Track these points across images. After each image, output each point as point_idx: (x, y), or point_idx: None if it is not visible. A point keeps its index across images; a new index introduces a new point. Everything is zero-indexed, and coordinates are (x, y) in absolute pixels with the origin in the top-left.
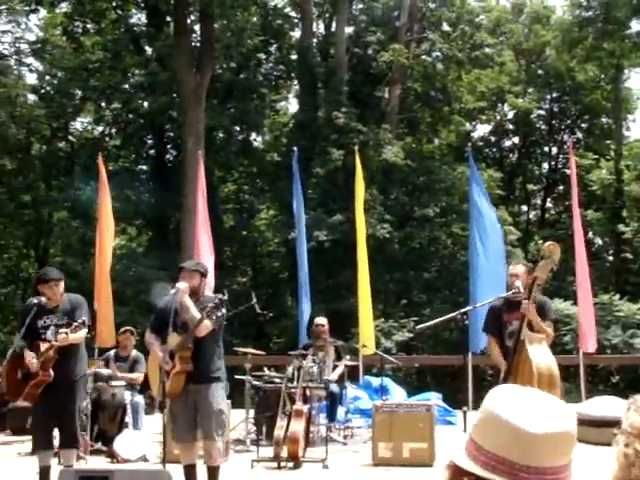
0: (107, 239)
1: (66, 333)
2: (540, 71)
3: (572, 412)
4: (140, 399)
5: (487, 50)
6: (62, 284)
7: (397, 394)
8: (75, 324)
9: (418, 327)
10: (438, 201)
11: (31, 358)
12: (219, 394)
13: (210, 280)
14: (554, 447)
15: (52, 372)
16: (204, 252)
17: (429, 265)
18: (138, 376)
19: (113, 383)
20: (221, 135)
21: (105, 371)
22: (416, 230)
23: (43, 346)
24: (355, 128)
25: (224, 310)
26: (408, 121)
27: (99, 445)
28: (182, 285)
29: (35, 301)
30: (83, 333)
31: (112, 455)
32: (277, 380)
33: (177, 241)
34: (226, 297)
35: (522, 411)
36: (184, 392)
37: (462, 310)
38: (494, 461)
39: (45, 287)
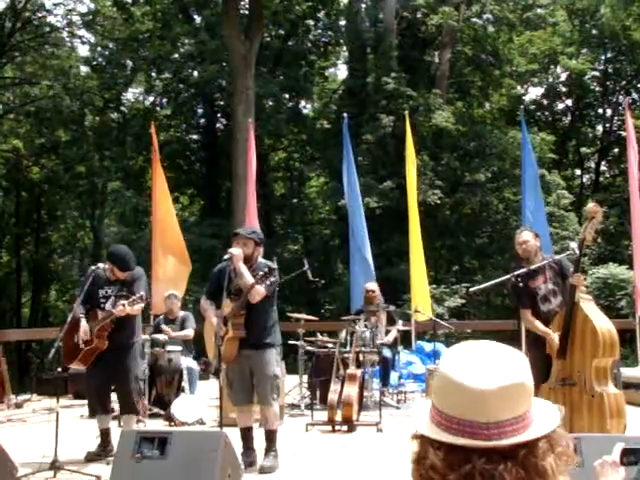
0: (163, 208)
1: (124, 305)
2: (594, 31)
3: (523, 362)
4: (195, 365)
5: (539, 11)
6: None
7: None
8: (134, 297)
9: (471, 289)
10: (489, 166)
11: (84, 333)
12: (273, 359)
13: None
14: (508, 400)
15: (107, 341)
16: (255, 220)
17: (480, 231)
18: (188, 332)
19: (169, 348)
20: (270, 103)
21: (161, 337)
22: (467, 196)
23: (100, 315)
24: (405, 93)
25: (275, 277)
26: (458, 85)
27: (157, 409)
28: (236, 251)
29: (93, 268)
30: (141, 306)
31: (170, 418)
32: (330, 345)
33: (228, 209)
34: (276, 265)
35: (471, 369)
36: (239, 357)
37: (516, 272)
38: (455, 424)
39: (115, 269)
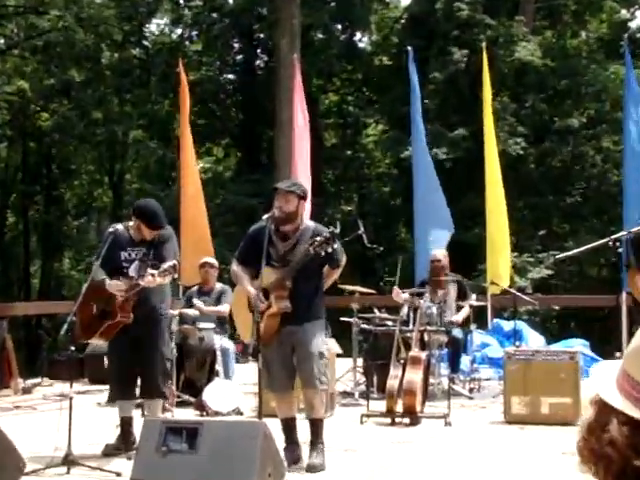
0: (191, 161)
1: (152, 275)
2: None
3: None
4: (230, 344)
5: None
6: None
7: (533, 341)
8: (165, 267)
9: (558, 256)
10: (584, 109)
11: (117, 288)
12: (319, 335)
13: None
14: None
15: (132, 314)
16: (302, 175)
17: (572, 188)
18: (224, 308)
19: (201, 325)
20: (320, 35)
21: (191, 312)
22: (557, 145)
23: (125, 283)
24: (482, 22)
25: (335, 245)
26: (548, 10)
27: (186, 396)
28: (277, 210)
29: (113, 229)
30: (171, 277)
31: (201, 407)
32: (389, 323)
33: (270, 162)
34: (338, 230)
35: None
36: (278, 335)
37: (614, 236)
38: None
39: (143, 226)
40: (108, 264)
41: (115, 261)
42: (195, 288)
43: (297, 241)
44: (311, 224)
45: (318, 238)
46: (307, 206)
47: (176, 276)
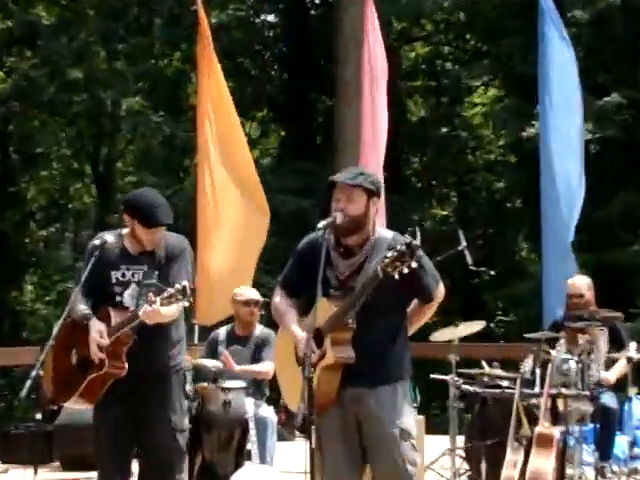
0: (223, 133)
1: (152, 303)
2: None
3: None
4: (269, 412)
5: None
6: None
7: None
8: (171, 290)
9: None
10: None
11: (98, 334)
12: (402, 403)
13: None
14: None
15: (125, 362)
16: (374, 163)
17: None
18: (267, 367)
19: (226, 384)
20: None
21: (211, 363)
22: None
23: (115, 316)
24: None
25: (414, 264)
26: None
27: None
28: (339, 215)
29: (100, 241)
30: (182, 305)
31: None
32: (505, 383)
33: (328, 145)
34: (418, 240)
35: None
36: (340, 401)
37: None
38: None
39: (139, 227)
40: (94, 291)
41: (104, 286)
42: (224, 330)
43: (365, 259)
44: (388, 234)
45: (389, 253)
46: (381, 208)
47: (187, 303)
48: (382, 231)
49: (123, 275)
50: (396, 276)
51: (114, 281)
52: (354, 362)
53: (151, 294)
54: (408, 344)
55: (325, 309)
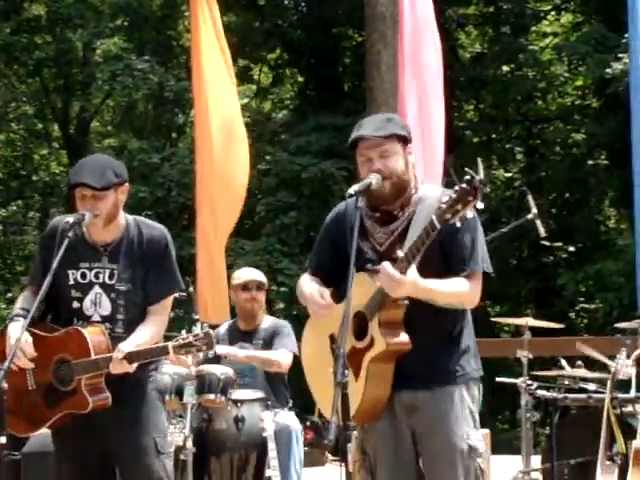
0: (217, 94)
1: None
2: None
3: None
4: (292, 419)
5: None
6: (117, 196)
7: None
8: (189, 338)
9: None
10: None
11: (25, 351)
12: (465, 410)
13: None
14: None
15: (108, 393)
16: (415, 112)
17: None
18: (283, 356)
19: (238, 395)
20: None
21: (219, 369)
22: None
23: (94, 343)
24: None
25: (480, 204)
26: None
27: None
28: (375, 177)
29: (64, 223)
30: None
31: None
32: (591, 387)
33: (358, 92)
34: (481, 174)
35: None
36: (390, 408)
37: None
38: None
39: (78, 198)
40: (51, 296)
41: (59, 288)
42: (226, 326)
43: (409, 222)
44: (435, 190)
45: (445, 198)
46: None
47: (211, 354)
48: (427, 187)
49: (83, 276)
50: (458, 223)
51: (72, 283)
52: (408, 348)
53: (119, 345)
54: (472, 330)
55: (365, 286)
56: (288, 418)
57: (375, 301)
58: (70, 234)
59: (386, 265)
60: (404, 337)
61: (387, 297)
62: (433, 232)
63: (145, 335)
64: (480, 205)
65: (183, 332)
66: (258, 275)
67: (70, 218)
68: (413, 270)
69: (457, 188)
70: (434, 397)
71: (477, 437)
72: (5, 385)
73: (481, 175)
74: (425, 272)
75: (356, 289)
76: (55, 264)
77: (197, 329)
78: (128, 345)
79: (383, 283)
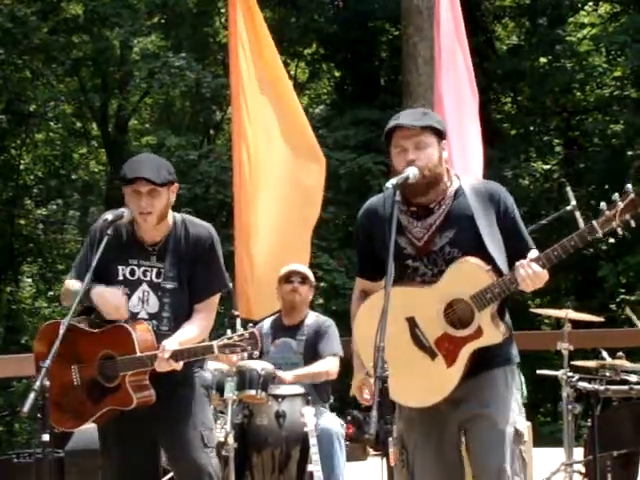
0: (252, 89)
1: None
2: None
3: None
4: (335, 422)
5: None
6: (169, 194)
7: None
8: (234, 337)
9: None
10: None
11: (114, 306)
12: (511, 395)
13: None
14: None
15: (153, 390)
16: (454, 106)
17: None
18: (329, 366)
19: (279, 391)
20: None
21: (259, 365)
22: None
23: (138, 337)
24: None
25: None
26: None
27: None
28: (413, 170)
29: (107, 220)
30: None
31: None
32: (634, 378)
33: (395, 86)
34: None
35: None
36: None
37: None
38: None
39: (132, 194)
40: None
41: (109, 281)
42: (269, 321)
43: (447, 215)
44: (474, 182)
45: (604, 204)
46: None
47: (256, 354)
48: (464, 180)
49: (132, 272)
50: (619, 230)
51: (120, 279)
52: None
53: (164, 343)
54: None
55: (471, 277)
56: (330, 421)
57: (491, 293)
58: (109, 231)
59: (532, 264)
60: (503, 328)
61: (520, 291)
62: (590, 237)
63: (190, 333)
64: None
65: (229, 331)
66: (301, 267)
67: (109, 215)
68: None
69: (629, 197)
70: (480, 382)
71: (522, 423)
72: (47, 383)
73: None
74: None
75: (455, 277)
76: (94, 263)
77: (240, 328)
78: (173, 343)
79: (526, 279)
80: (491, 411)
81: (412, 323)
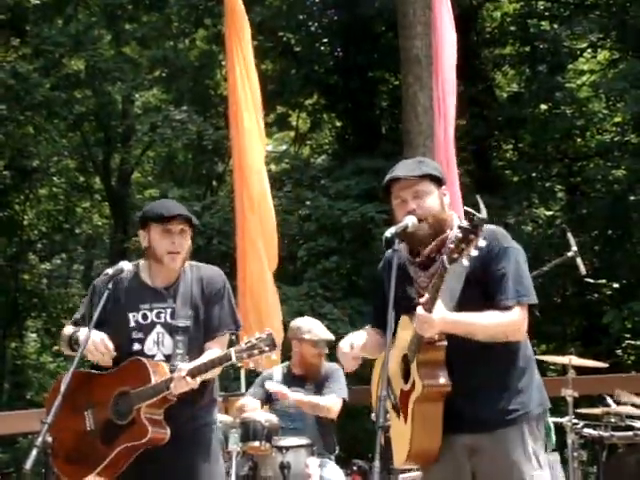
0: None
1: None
2: None
3: None
4: (338, 474)
5: None
6: (189, 235)
7: None
8: (252, 340)
9: None
10: None
11: (99, 345)
12: (527, 451)
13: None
14: None
15: (167, 426)
16: (451, 155)
17: None
18: (333, 402)
19: (284, 442)
20: None
21: (264, 416)
22: None
23: (154, 372)
24: None
25: (482, 242)
26: None
27: None
28: (412, 219)
29: (114, 271)
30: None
31: None
32: (638, 424)
33: (396, 134)
34: (483, 213)
35: None
36: (449, 449)
37: None
38: None
39: (162, 233)
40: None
41: (118, 332)
42: (279, 370)
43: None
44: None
45: (454, 232)
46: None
47: (273, 356)
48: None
49: (145, 317)
50: (465, 262)
51: (133, 325)
52: (449, 392)
53: (180, 364)
54: (534, 367)
55: (408, 329)
56: (333, 472)
57: (414, 344)
58: (110, 286)
59: (418, 308)
60: (442, 380)
61: (422, 338)
62: (444, 272)
63: (203, 359)
64: (482, 243)
65: (245, 338)
66: (328, 333)
67: (109, 270)
68: (439, 307)
69: (460, 225)
70: (495, 440)
71: (542, 477)
72: (50, 439)
73: (483, 214)
74: (468, 310)
75: (402, 333)
76: (95, 317)
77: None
78: (187, 365)
79: (416, 326)
80: (505, 471)
81: (404, 359)
